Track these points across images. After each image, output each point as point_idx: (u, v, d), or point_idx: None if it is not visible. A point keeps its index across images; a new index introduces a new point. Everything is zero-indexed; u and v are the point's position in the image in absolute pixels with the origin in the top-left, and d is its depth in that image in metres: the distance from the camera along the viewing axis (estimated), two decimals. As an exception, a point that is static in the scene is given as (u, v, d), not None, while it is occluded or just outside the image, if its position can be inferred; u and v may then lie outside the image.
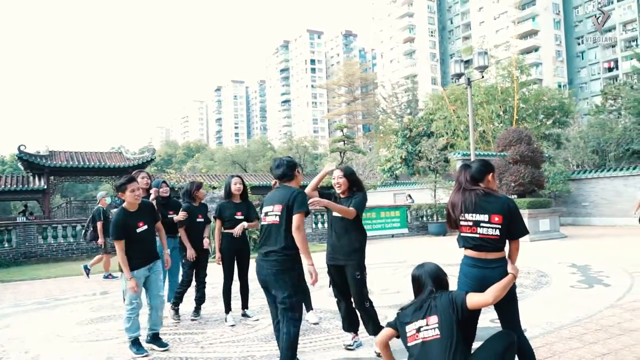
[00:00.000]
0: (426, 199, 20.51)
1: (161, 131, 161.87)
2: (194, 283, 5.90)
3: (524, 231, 3.13)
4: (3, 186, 23.46)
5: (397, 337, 3.09)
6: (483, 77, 19.36)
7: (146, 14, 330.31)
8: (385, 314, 5.71)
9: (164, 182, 6.33)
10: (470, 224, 3.09)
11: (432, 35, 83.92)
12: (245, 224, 5.52)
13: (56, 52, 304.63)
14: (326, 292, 7.28)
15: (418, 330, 2.86)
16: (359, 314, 4.41)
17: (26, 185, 23.96)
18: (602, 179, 20.51)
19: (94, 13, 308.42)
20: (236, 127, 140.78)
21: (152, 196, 5.85)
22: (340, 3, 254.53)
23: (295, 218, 3.60)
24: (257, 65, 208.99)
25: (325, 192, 4.54)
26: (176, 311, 5.84)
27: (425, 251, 12.71)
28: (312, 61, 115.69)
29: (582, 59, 68.88)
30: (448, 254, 11.56)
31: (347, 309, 4.46)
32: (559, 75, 65.96)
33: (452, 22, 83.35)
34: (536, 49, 67.20)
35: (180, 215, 5.75)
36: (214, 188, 15.00)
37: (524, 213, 14.22)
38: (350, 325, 4.50)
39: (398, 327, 3.03)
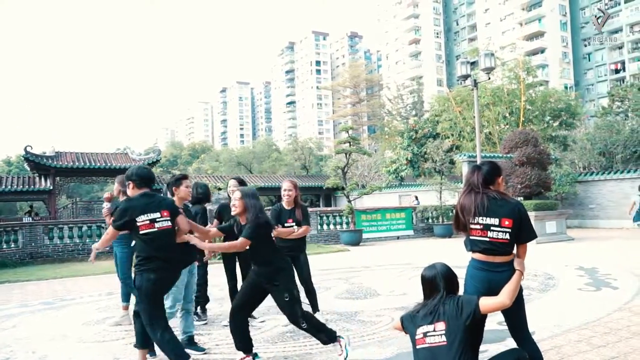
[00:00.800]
0: (432, 200, 20.45)
1: (166, 132, 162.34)
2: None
3: (533, 236, 3.11)
4: (9, 187, 23.61)
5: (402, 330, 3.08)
6: (489, 78, 19.28)
7: (153, 15, 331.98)
8: (392, 316, 5.69)
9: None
10: (481, 227, 3.05)
11: (437, 37, 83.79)
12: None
13: (63, 53, 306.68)
14: (332, 294, 7.28)
15: (425, 334, 2.82)
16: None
17: (32, 186, 24.11)
18: (610, 181, 20.39)
19: (101, 14, 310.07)
20: (241, 128, 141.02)
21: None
22: (346, 4, 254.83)
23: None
24: (263, 67, 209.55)
25: (227, 227, 4.43)
26: (204, 311, 5.87)
27: (431, 253, 12.67)
28: (318, 62, 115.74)
29: (589, 60, 68.58)
30: (454, 256, 11.49)
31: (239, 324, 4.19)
32: (566, 77, 65.73)
33: (457, 24, 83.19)
34: (542, 51, 66.99)
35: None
36: (220, 189, 15.02)
37: (531, 215, 14.15)
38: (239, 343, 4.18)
39: (407, 326, 2.99)
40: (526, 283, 7.26)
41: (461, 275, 3.04)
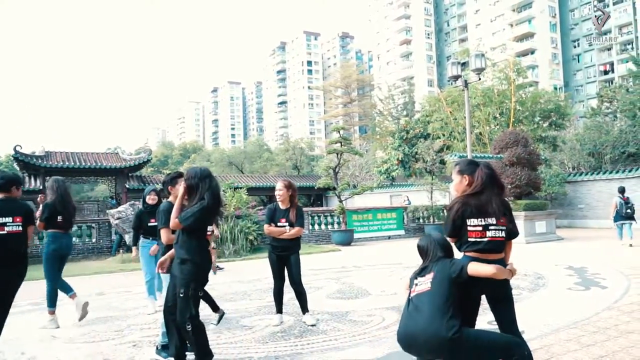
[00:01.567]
0: (423, 200, 20.54)
1: (157, 132, 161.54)
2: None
3: (517, 231, 3.22)
4: None
5: None
6: (480, 79, 19.39)
7: (143, 15, 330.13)
8: (383, 316, 5.71)
9: (154, 190, 6.43)
10: (480, 228, 3.04)
11: (428, 38, 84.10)
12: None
13: (53, 52, 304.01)
14: (323, 294, 7.29)
15: (415, 285, 3.04)
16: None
17: (22, 186, 23.87)
18: (598, 181, 20.59)
19: (90, 14, 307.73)
20: (232, 128, 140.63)
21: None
22: (337, 5, 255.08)
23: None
24: (254, 67, 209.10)
25: None
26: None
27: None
28: (309, 62, 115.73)
29: (578, 61, 69.20)
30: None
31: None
32: (555, 78, 66.26)
33: (448, 25, 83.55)
34: (532, 52, 67.48)
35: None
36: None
37: (521, 215, 14.26)
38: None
39: (411, 285, 3.15)
40: (516, 282, 7.32)
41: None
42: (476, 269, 2.92)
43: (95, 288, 8.89)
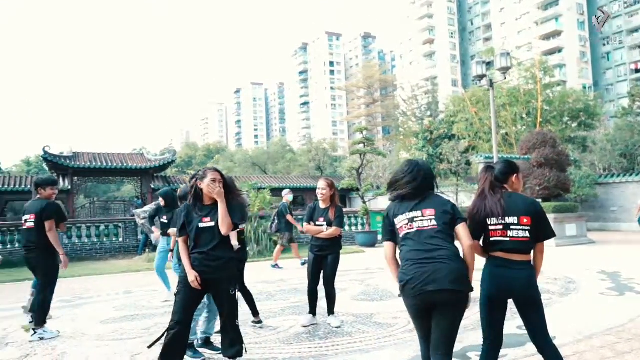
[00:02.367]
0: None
1: (181, 133, 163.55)
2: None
3: (552, 233, 3.08)
4: (29, 186, 23.95)
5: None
6: (505, 78, 19.07)
7: (167, 18, 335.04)
8: (409, 319, 5.61)
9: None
10: (500, 227, 3.01)
11: (452, 37, 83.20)
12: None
13: (81, 55, 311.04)
14: (347, 296, 7.24)
15: (412, 220, 2.86)
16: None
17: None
18: (631, 183, 20.00)
19: (118, 16, 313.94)
20: (255, 129, 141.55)
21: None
22: (359, 5, 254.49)
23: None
24: (276, 68, 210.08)
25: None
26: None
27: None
28: (331, 63, 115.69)
29: (608, 60, 67.49)
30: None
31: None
32: (584, 77, 64.77)
33: (472, 24, 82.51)
34: (560, 50, 66.08)
35: None
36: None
37: (550, 217, 13.91)
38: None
39: (388, 225, 3.00)
40: (546, 287, 7.15)
41: (477, 277, 2.95)
42: (460, 232, 2.87)
43: (123, 286, 9.02)
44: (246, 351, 3.94)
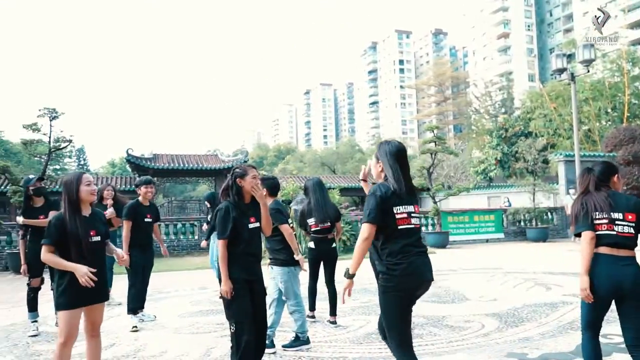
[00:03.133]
0: (524, 202, 19.38)
1: (253, 134, 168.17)
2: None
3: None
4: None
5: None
6: (589, 71, 17.95)
7: (240, 21, 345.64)
8: (483, 322, 5.45)
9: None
10: (607, 221, 3.07)
11: (529, 30, 79.48)
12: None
13: (160, 61, 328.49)
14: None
15: (410, 215, 2.91)
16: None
17: (133, 186, 25.96)
18: None
19: (192, 21, 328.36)
20: (325, 130, 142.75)
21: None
22: (430, 1, 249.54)
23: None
24: (345, 68, 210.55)
25: None
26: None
27: (523, 257, 12.00)
28: (401, 61, 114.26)
29: None
30: (549, 261, 10.83)
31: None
32: (679, 67, 59.55)
33: (551, 15, 78.35)
34: (650, 39, 61.15)
35: None
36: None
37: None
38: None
39: (380, 205, 2.81)
40: None
41: (564, 281, 2.80)
42: None
43: (198, 282, 9.41)
44: None
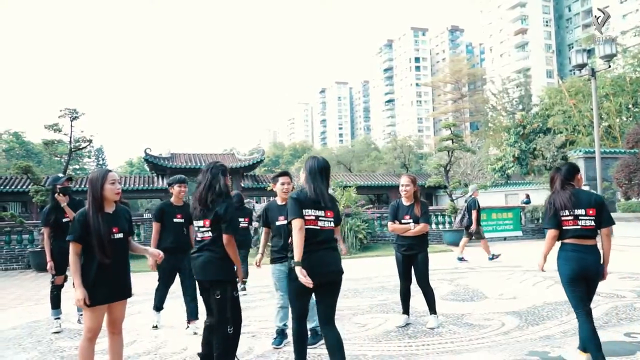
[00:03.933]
0: (542, 200, 19.12)
1: (269, 133, 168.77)
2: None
3: (611, 221, 3.64)
4: (132, 185, 25.93)
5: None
6: (610, 67, 17.64)
7: (256, 21, 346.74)
8: (503, 321, 5.41)
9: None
10: (571, 218, 3.64)
11: (547, 25, 78.31)
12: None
13: (177, 60, 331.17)
14: (436, 296, 7.07)
15: (317, 218, 3.36)
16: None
17: (151, 185, 26.29)
18: None
19: (208, 21, 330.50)
20: (340, 128, 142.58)
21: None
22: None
23: None
24: (361, 66, 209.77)
25: None
26: None
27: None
28: (417, 59, 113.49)
29: None
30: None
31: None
32: (702, 62, 58.14)
33: (570, 10, 77.08)
34: (673, 33, 59.81)
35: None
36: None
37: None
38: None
39: (298, 206, 3.33)
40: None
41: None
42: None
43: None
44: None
